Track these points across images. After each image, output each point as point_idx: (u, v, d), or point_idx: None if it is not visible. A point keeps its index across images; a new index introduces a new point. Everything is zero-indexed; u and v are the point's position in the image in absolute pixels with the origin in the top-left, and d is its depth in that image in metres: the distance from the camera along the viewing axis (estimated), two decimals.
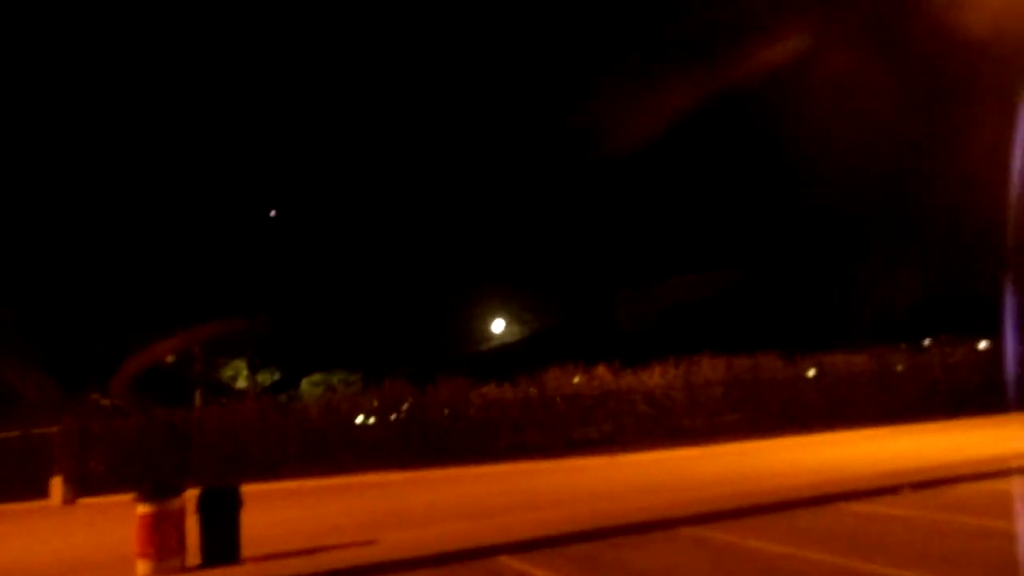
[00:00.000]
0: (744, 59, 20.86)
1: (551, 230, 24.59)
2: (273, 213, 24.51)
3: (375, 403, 19.13)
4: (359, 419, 18.92)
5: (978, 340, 21.50)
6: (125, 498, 13.82)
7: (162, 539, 8.13)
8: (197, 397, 22.44)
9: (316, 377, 23.85)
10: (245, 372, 23.96)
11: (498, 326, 26.69)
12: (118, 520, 12.40)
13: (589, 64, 22.79)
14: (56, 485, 17.57)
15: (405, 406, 19.03)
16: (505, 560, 8.07)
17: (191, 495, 8.67)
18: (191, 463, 17.79)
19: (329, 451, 18.24)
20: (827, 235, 24.28)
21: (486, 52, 22.89)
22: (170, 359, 22.56)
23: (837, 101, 20.53)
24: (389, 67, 23.19)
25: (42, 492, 17.85)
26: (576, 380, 19.19)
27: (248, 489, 9.42)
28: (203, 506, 8.47)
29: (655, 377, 19.54)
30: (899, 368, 20.85)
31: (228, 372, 24.14)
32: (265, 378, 24.06)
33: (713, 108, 22.50)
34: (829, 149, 21.32)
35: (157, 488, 8.21)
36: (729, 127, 23.56)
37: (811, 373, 20.35)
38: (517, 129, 24.11)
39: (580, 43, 22.72)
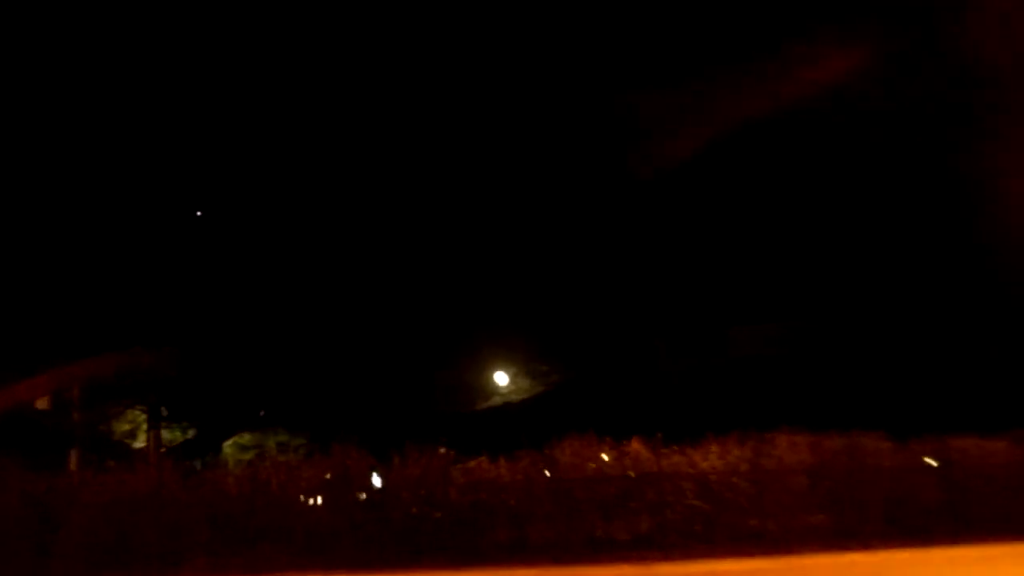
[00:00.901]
0: (795, 75, 21.79)
1: (575, 258, 24.98)
2: (199, 213, 23.97)
3: (327, 476, 19.07)
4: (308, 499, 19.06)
5: None
6: None
7: None
8: (73, 459, 22.43)
9: (245, 438, 24.04)
10: (145, 426, 23.90)
11: (500, 379, 26.76)
12: None
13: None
14: None
15: (375, 482, 19.23)
16: None
17: None
18: (56, 551, 17.51)
19: (253, 542, 18.06)
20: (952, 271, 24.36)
21: (494, 55, 23.70)
22: (40, 405, 22.65)
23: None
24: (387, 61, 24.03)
25: None
26: (603, 458, 19.28)
27: None
28: None
29: (711, 458, 19.44)
30: None
31: (122, 426, 24.07)
32: (174, 436, 23.94)
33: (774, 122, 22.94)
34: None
35: None
36: (796, 145, 23.96)
37: (931, 462, 20.10)
38: (539, 131, 24.51)
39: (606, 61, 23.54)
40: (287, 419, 24.71)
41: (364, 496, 18.94)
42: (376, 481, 19.06)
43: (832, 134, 22.55)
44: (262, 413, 25.19)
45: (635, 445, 19.19)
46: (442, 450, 19.19)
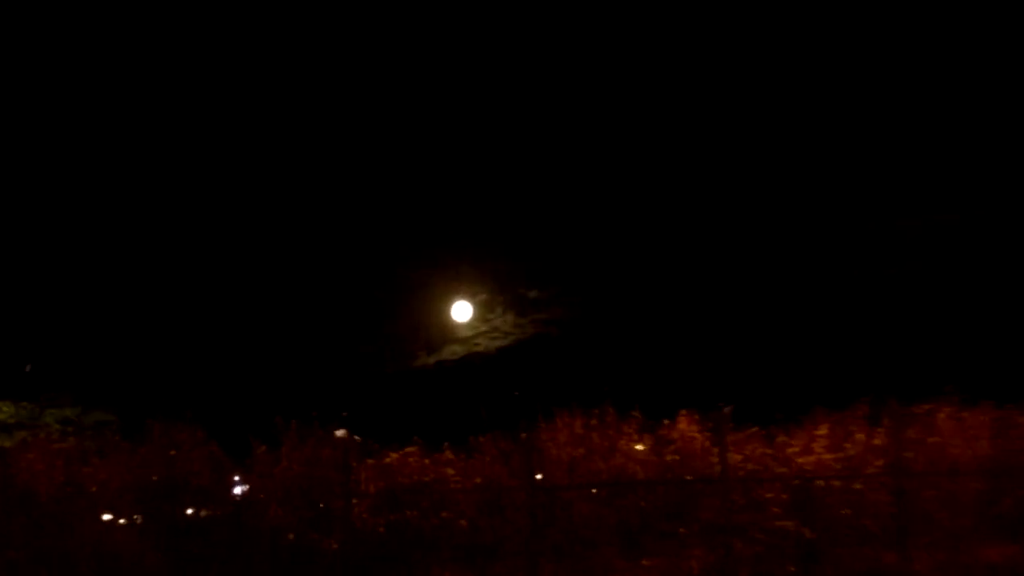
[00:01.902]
0: None
1: (572, 117, 25.47)
2: None
3: (148, 477, 18.06)
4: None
5: None
6: None
7: None
8: None
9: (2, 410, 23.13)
10: None
11: (459, 313, 25.40)
12: None
13: None
14: None
15: (231, 488, 18.70)
16: None
17: None
18: None
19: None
20: None
21: None
22: None
23: None
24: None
25: None
26: (630, 448, 18.24)
27: None
28: None
29: (816, 449, 18.37)
30: None
31: None
32: None
33: None
34: None
35: None
36: None
37: None
38: None
39: None
40: (77, 382, 23.97)
41: (205, 513, 18.24)
42: (231, 487, 18.53)
43: None
44: (28, 369, 24.37)
45: (683, 426, 18.31)
46: (341, 433, 18.26)
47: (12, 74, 24.49)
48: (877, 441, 18.04)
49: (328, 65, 26.22)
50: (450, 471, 17.93)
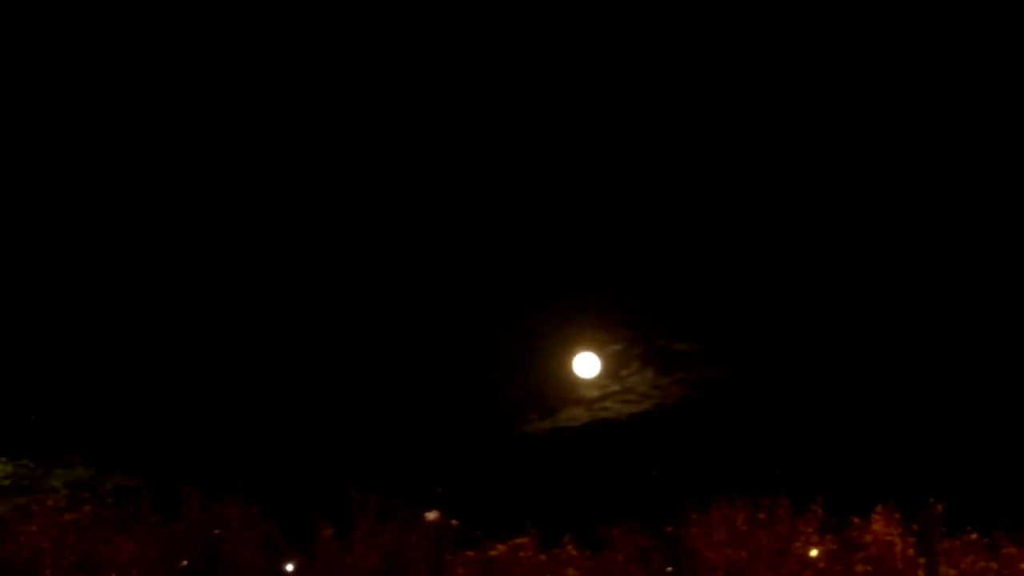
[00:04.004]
0: None
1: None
2: None
3: (179, 562, 17.76)
4: None
5: None
6: None
7: None
8: None
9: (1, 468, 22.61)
10: None
11: (585, 369, 23.79)
12: None
13: None
14: None
15: None
16: None
17: None
18: None
19: None
20: None
21: None
22: None
23: None
24: None
25: None
26: (806, 551, 17.77)
27: None
28: None
29: None
30: None
31: None
32: None
33: None
34: None
35: None
36: None
37: None
38: None
39: None
40: (92, 436, 23.10)
41: None
42: None
43: None
44: (32, 418, 23.69)
45: (878, 527, 17.96)
46: (432, 515, 18.37)
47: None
48: None
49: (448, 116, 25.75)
50: (572, 573, 17.53)
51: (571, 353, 23.51)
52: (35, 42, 25.21)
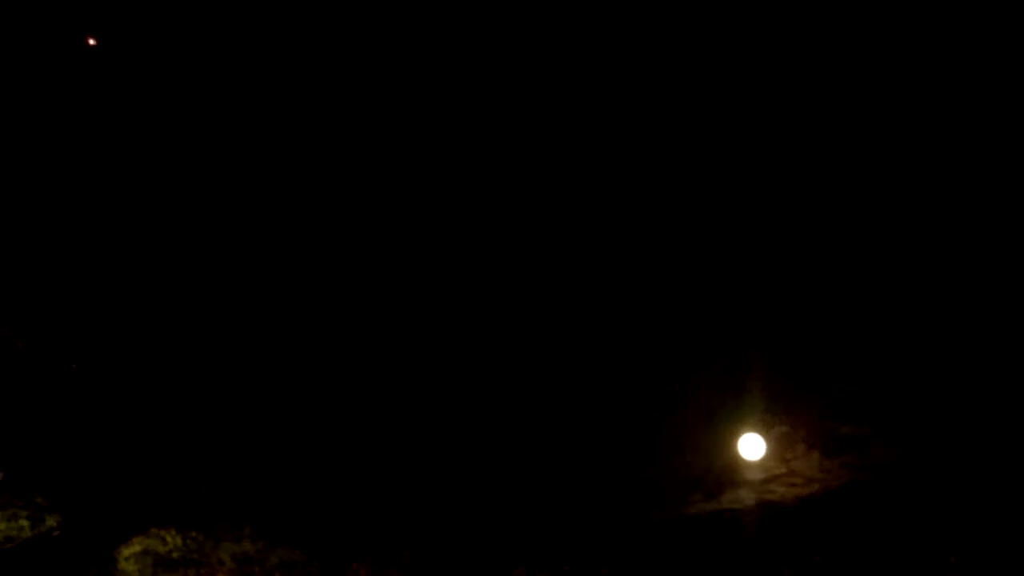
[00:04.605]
0: None
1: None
2: None
3: None
4: None
5: None
6: None
7: None
8: None
9: (168, 541, 22.06)
10: None
11: (749, 451, 23.54)
12: None
13: None
14: None
15: None
16: None
17: None
18: None
19: None
20: None
21: None
22: None
23: None
24: None
25: None
26: None
27: None
28: None
29: None
30: None
31: None
32: (12, 526, 22.02)
33: None
34: None
35: None
36: None
37: None
38: None
39: None
40: (260, 507, 22.91)
41: None
42: None
43: None
44: (203, 491, 23.47)
45: None
46: None
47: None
48: None
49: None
50: None
51: (736, 433, 23.63)
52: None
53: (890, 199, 24.98)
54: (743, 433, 23.34)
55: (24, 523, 21.82)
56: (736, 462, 23.62)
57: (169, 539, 21.90)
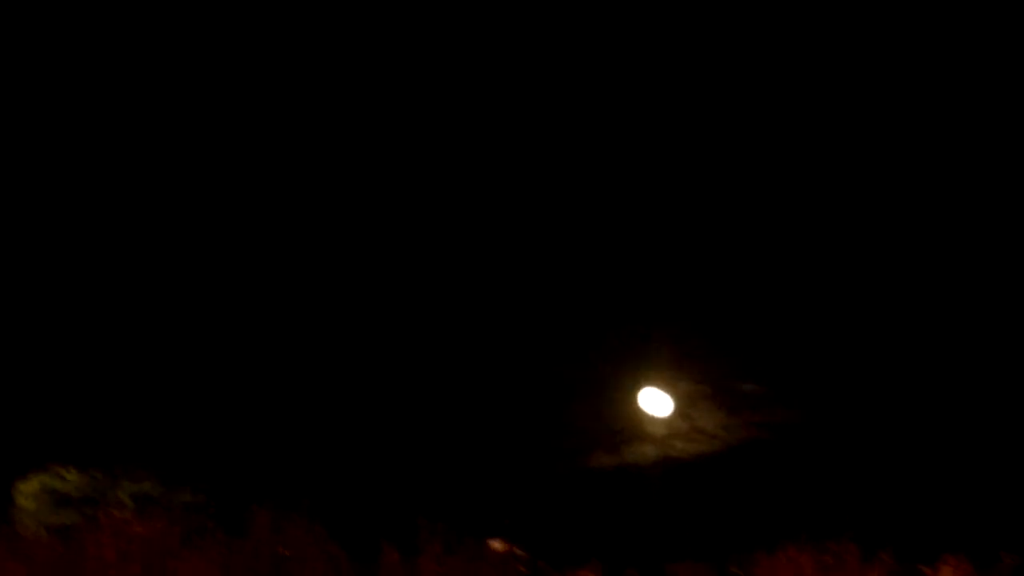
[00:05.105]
0: None
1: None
2: None
3: None
4: None
5: None
6: None
7: None
8: None
9: (65, 479, 22.18)
10: None
11: (653, 406, 23.33)
12: None
13: None
14: None
15: None
16: None
17: None
18: None
19: None
20: None
21: None
22: None
23: None
24: None
25: None
26: None
27: None
28: None
29: None
30: None
31: None
32: None
33: None
34: None
35: None
36: None
37: None
38: None
39: None
40: (161, 450, 22.98)
41: None
42: None
43: None
44: (105, 429, 23.60)
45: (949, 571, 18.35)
46: (499, 545, 18.64)
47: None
48: None
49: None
50: None
51: (637, 388, 23.41)
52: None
53: (791, 161, 24.90)
54: (644, 387, 23.22)
55: None
56: (639, 416, 23.54)
57: (68, 476, 21.71)
